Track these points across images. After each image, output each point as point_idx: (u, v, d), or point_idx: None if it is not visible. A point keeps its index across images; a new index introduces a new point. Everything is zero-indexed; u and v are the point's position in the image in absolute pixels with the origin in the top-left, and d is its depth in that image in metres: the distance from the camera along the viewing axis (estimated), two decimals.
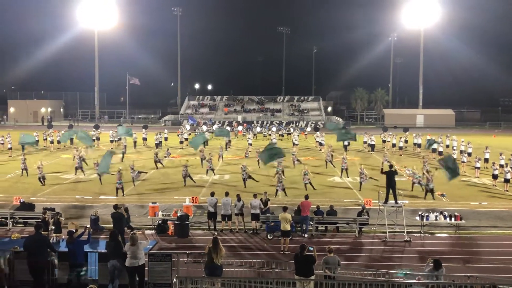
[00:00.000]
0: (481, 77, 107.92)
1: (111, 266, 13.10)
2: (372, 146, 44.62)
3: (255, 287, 12.01)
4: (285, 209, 18.56)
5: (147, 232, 19.47)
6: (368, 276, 13.64)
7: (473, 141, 42.59)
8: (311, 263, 12.89)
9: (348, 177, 31.09)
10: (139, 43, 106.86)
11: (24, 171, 30.89)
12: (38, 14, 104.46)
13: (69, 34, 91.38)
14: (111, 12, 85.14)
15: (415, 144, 45.81)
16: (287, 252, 17.36)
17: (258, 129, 63.14)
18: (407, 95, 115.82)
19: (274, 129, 61.19)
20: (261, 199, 20.65)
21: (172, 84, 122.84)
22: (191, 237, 19.49)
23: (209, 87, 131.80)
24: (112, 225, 17.72)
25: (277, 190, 25.96)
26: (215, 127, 64.35)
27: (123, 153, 38.53)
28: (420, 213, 20.49)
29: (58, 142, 46.68)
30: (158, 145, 44.90)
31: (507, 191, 27.66)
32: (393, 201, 20.03)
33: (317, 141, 48.41)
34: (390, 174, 20.19)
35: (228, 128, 61.41)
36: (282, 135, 58.34)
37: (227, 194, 21.00)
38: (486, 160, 35.37)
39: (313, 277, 12.86)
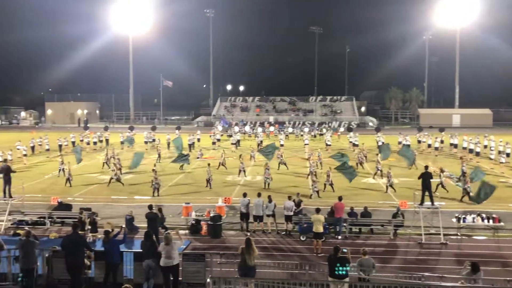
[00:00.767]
0: None
1: (146, 265, 13.26)
2: (407, 147, 43.85)
3: None
4: (318, 210, 18.45)
5: (181, 232, 19.69)
6: (403, 279, 13.42)
7: (511, 141, 41.42)
8: (345, 265, 12.76)
9: (382, 178, 30.67)
10: (172, 45, 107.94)
11: (62, 172, 31.61)
12: (74, 19, 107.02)
13: (104, 38, 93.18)
14: (145, 16, 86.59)
15: (451, 144, 44.87)
16: (320, 254, 17.24)
17: (290, 129, 62.96)
18: (443, 95, 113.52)
19: (306, 129, 60.93)
20: (293, 200, 20.58)
21: (204, 85, 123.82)
22: (224, 238, 19.58)
23: (241, 88, 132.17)
24: (146, 225, 17.94)
25: (315, 193, 25.87)
26: (247, 128, 64.52)
27: (159, 154, 38.98)
28: (456, 215, 20.05)
29: (94, 143, 47.68)
30: (191, 146, 45.29)
31: None
32: (429, 203, 19.65)
33: (350, 142, 47.96)
34: (426, 176, 19.82)
35: (260, 128, 61.51)
36: (315, 136, 58.04)
37: (259, 195, 21.02)
38: None
39: (347, 279, 12.72)
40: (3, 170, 21.47)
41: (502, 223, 19.60)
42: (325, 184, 27.15)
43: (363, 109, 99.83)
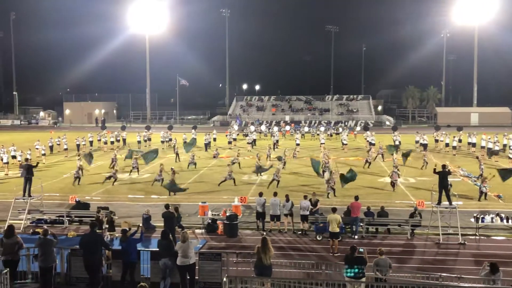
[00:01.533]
0: None
1: (162, 264, 13.34)
2: (425, 146, 43.49)
3: None
4: (334, 210, 18.38)
5: (197, 231, 19.78)
6: (421, 279, 13.32)
7: None
8: (362, 264, 12.71)
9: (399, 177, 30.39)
10: (188, 45, 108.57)
11: (80, 171, 31.88)
12: (92, 20, 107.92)
13: (121, 38, 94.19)
14: (161, 15, 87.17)
15: (469, 143, 44.36)
16: (336, 254, 17.18)
17: (306, 129, 62.78)
18: (461, 93, 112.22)
19: (322, 128, 60.70)
20: (310, 200, 20.53)
21: (220, 85, 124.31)
22: (240, 237, 19.61)
23: (257, 87, 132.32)
24: (163, 224, 18.05)
25: (329, 192, 25.78)
26: (263, 127, 64.55)
27: (177, 153, 39.17)
28: (475, 214, 19.82)
29: (112, 143, 48.10)
30: (207, 145, 45.43)
31: None
32: (447, 203, 19.46)
33: (367, 141, 47.68)
34: (443, 174, 19.62)
35: (276, 128, 61.47)
36: (331, 135, 57.84)
37: (275, 194, 21.02)
38: None
39: (364, 279, 12.67)
40: (24, 168, 21.77)
41: None
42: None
43: (379, 108, 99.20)
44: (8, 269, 12.55)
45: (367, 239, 19.24)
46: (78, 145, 43.96)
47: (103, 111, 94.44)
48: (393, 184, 27.48)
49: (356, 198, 20.10)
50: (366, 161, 35.28)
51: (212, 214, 20.86)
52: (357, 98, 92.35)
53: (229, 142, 48.81)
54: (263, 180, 30.39)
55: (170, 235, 14.20)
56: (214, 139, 49.26)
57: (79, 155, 34.71)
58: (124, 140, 49.55)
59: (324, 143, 45.85)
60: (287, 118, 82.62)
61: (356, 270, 12.53)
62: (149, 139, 50.08)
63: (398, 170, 28.16)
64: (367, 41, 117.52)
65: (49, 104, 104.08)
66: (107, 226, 19.23)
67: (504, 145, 41.83)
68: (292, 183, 29.27)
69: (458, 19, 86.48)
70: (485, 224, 19.45)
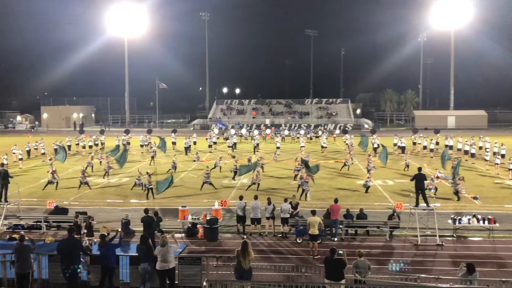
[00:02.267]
0: None
1: (142, 269, 13.25)
2: (403, 148, 44.00)
3: None
4: (313, 212, 18.49)
5: (177, 235, 19.67)
6: (399, 280, 13.46)
7: (506, 142, 41.59)
8: (341, 267, 12.79)
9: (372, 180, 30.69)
10: (168, 48, 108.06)
11: (53, 175, 31.36)
12: (70, 22, 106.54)
13: (99, 41, 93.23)
14: (140, 18, 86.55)
15: (446, 146, 45.00)
16: (316, 256, 17.27)
17: (286, 132, 63.01)
18: (438, 96, 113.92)
19: (302, 132, 60.98)
20: (290, 203, 20.60)
21: (200, 88, 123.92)
22: (220, 241, 19.57)
23: (237, 90, 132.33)
24: (142, 229, 17.92)
25: (306, 194, 25.92)
26: (243, 131, 64.56)
27: (153, 157, 39.01)
28: (452, 216, 20.12)
29: (90, 147, 47.60)
30: (187, 149, 45.26)
31: None
32: (425, 204, 19.71)
33: (346, 144, 48.02)
34: (419, 177, 19.87)
35: (256, 131, 61.55)
36: (311, 138, 58.12)
37: (256, 197, 21.06)
38: None
39: (343, 281, 12.75)
40: (0, 174, 21.37)
41: (497, 224, 19.67)
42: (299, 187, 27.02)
43: (358, 111, 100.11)
44: None
45: (347, 241, 19.37)
46: (56, 150, 43.32)
47: (81, 115, 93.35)
48: (365, 185, 27.76)
49: (336, 200, 20.25)
50: (345, 164, 35.42)
51: (192, 218, 20.80)
52: (336, 101, 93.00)
53: (209, 146, 48.71)
54: (244, 184, 30.38)
55: (150, 240, 14.12)
56: (194, 143, 49.13)
57: (50, 159, 34.29)
58: (102, 144, 49.09)
59: (304, 146, 46.03)
60: (268, 121, 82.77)
61: None
62: (128, 143, 49.67)
63: (371, 172, 28.59)
64: (346, 45, 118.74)
65: (26, 108, 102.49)
66: (85, 231, 19.01)
67: (480, 147, 42.54)
68: (272, 186, 29.33)
69: (435, 24, 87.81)
70: (462, 225, 19.75)
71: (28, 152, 43.32)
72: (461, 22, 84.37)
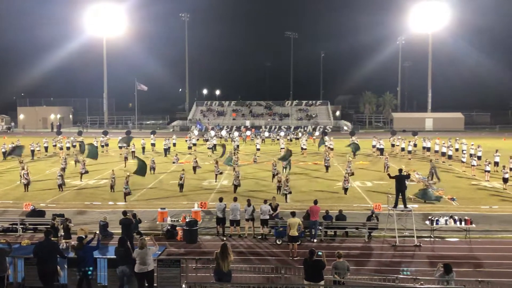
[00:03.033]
0: (491, 80, 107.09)
1: (120, 272, 13.11)
2: (381, 150, 44.43)
3: None
4: (293, 214, 18.53)
5: (156, 238, 19.51)
6: (378, 281, 13.56)
7: (483, 144, 42.29)
8: (320, 268, 12.83)
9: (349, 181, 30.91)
10: (147, 49, 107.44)
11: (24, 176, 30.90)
12: (47, 22, 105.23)
13: (78, 41, 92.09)
14: (120, 19, 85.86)
15: (424, 147, 45.59)
16: (296, 258, 17.30)
17: (266, 134, 63.10)
18: (416, 99, 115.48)
19: (282, 133, 61.13)
20: (270, 204, 20.62)
21: (180, 89, 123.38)
22: (199, 243, 19.48)
23: (217, 92, 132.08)
24: (121, 231, 17.75)
25: (286, 196, 25.99)
26: (223, 132, 64.46)
27: (126, 158, 38.66)
28: (430, 217, 20.35)
29: (68, 148, 46.98)
30: (166, 150, 44.97)
31: None
32: (403, 206, 19.90)
33: (325, 146, 48.23)
34: (400, 178, 20.05)
35: (236, 133, 61.51)
36: (291, 140, 58.29)
37: (235, 199, 21.05)
38: (496, 164, 35.10)
39: (322, 282, 12.79)
40: None
41: (473, 225, 19.96)
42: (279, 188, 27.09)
43: (338, 113, 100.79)
44: None
45: (326, 243, 19.46)
46: (32, 151, 42.74)
47: (58, 116, 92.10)
48: (344, 188, 27.94)
49: (315, 202, 20.33)
50: (327, 167, 35.56)
51: (172, 220, 20.66)
52: (316, 103, 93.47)
53: (189, 147, 48.47)
54: (223, 186, 30.33)
55: (128, 242, 13.97)
56: (174, 144, 48.85)
57: (21, 162, 33.77)
58: (80, 145, 48.45)
59: (284, 148, 46.11)
60: (248, 123, 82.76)
61: None
62: (107, 145, 49.15)
63: (348, 175, 28.84)
64: (325, 48, 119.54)
65: (2, 109, 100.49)
66: (62, 233, 18.75)
67: (457, 149, 43.15)
68: (252, 188, 29.32)
69: (413, 27, 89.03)
70: (440, 226, 19.99)
71: (4, 153, 42.53)
72: (439, 26, 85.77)
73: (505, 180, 29.05)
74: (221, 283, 12.38)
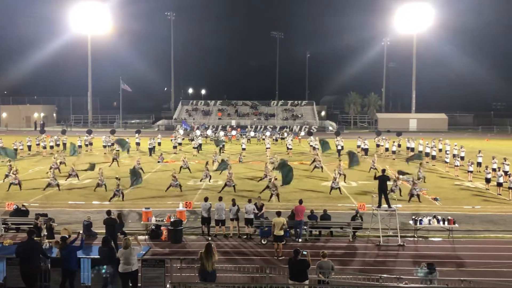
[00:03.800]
0: (474, 82, 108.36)
1: (104, 272, 13.01)
2: (366, 150, 44.71)
3: None
4: (278, 213, 18.56)
5: (140, 237, 19.40)
6: (362, 280, 13.64)
7: (466, 145, 42.77)
8: (305, 267, 12.87)
9: (344, 182, 30.98)
10: (132, 48, 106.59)
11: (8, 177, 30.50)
12: (31, 19, 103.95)
13: (62, 39, 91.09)
14: (104, 17, 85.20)
15: (408, 148, 45.95)
16: (281, 257, 17.33)
17: (252, 133, 63.16)
18: (400, 100, 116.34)
19: (268, 133, 61.21)
20: (255, 204, 20.63)
21: (165, 88, 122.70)
22: (184, 243, 19.42)
23: (203, 91, 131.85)
24: (105, 231, 17.62)
25: (271, 195, 25.99)
26: (209, 132, 64.32)
27: (114, 159, 38.30)
28: (413, 217, 20.52)
29: (51, 147, 46.50)
30: (151, 150, 44.74)
31: (500, 194, 27.73)
32: (387, 205, 20.05)
33: (310, 146, 48.44)
34: (382, 179, 20.23)
35: (222, 132, 61.43)
36: (276, 140, 58.38)
37: (220, 199, 21.01)
38: (479, 164, 35.51)
39: (307, 282, 12.84)
40: None
41: (456, 225, 20.15)
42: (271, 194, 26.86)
43: (323, 113, 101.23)
44: None
45: (311, 242, 19.52)
46: (15, 150, 42.16)
47: (42, 114, 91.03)
48: (331, 187, 28.04)
49: (300, 201, 20.38)
50: (315, 166, 35.53)
51: (156, 220, 20.55)
52: (301, 103, 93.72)
53: (174, 147, 48.23)
54: (209, 185, 30.26)
55: (112, 242, 13.89)
56: (159, 144, 48.60)
57: (10, 160, 33.40)
58: (64, 144, 48.00)
59: (269, 148, 46.23)
60: (233, 122, 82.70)
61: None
62: (91, 144, 48.76)
63: (338, 175, 28.93)
64: (311, 48, 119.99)
65: None
66: (46, 233, 18.56)
67: (440, 150, 43.58)
68: (238, 188, 29.23)
69: (398, 28, 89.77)
70: (423, 226, 20.17)
71: None
72: (423, 27, 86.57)
73: (488, 181, 29.43)
74: (206, 283, 12.38)
